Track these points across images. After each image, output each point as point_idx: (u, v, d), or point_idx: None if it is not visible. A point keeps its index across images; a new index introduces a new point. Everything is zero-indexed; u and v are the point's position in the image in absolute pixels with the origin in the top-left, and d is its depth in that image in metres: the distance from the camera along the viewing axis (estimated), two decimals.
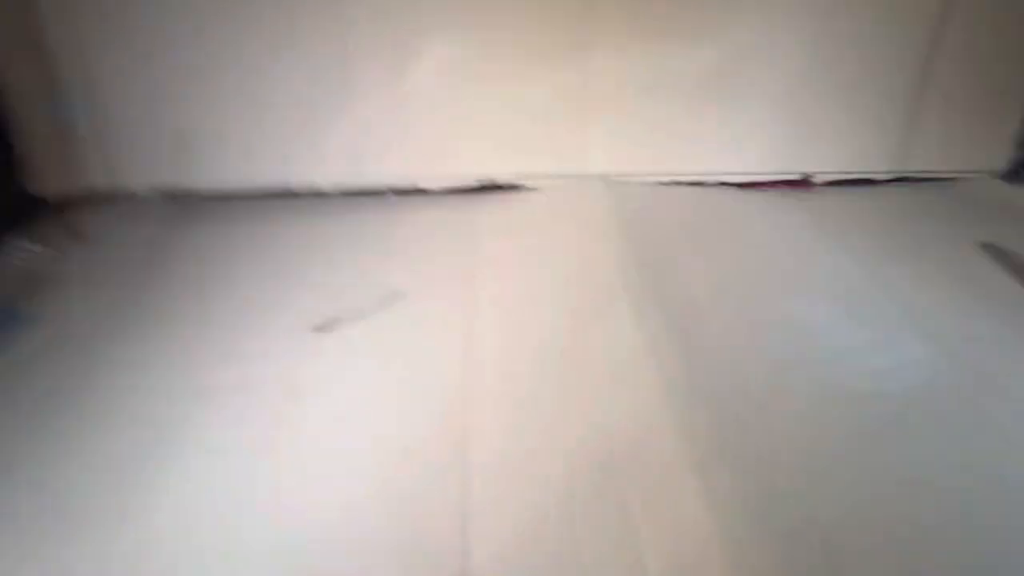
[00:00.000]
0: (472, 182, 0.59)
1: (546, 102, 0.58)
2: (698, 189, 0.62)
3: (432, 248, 0.52)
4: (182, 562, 0.30)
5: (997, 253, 0.53)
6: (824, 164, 0.63)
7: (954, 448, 0.36)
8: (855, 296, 0.49)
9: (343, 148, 0.56)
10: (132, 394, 0.39)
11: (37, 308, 0.45)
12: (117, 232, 0.53)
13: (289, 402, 0.38)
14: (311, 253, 0.51)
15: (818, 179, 0.63)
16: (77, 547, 0.30)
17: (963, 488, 0.33)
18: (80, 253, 0.51)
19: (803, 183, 0.63)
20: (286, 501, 0.33)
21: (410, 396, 0.39)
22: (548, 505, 0.32)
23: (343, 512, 0.32)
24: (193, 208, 0.55)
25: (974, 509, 0.32)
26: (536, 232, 0.54)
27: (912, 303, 0.48)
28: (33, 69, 0.50)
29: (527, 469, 0.34)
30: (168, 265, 0.50)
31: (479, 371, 0.40)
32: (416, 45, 0.54)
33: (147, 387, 0.40)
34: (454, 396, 0.38)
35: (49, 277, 0.48)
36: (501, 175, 0.60)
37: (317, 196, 0.57)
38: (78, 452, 0.35)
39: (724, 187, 0.62)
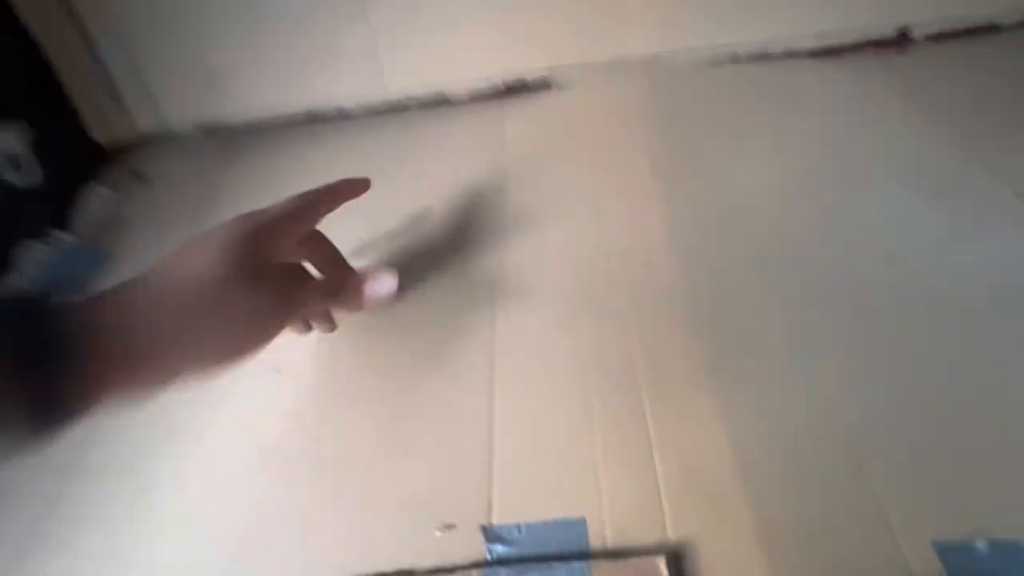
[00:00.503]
0: (499, 84, 0.55)
1: None
2: (761, 63, 0.53)
3: (460, 162, 0.50)
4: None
5: None
6: (928, 11, 0.51)
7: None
8: (947, 179, 0.41)
9: (362, 63, 0.54)
10: None
11: (115, 247, 0.50)
12: (170, 170, 0.56)
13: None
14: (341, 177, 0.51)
15: (918, 34, 0.51)
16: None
17: None
18: (143, 193, 0.55)
19: (897, 42, 0.52)
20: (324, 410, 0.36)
21: (443, 303, 0.40)
22: (564, 412, 0.33)
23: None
24: (230, 142, 0.57)
25: None
26: (568, 135, 0.50)
27: (1020, 187, 0.39)
28: (65, 19, 0.52)
29: (547, 376, 0.34)
30: (219, 199, 0.52)
31: (504, 283, 0.40)
32: None
33: None
34: (482, 304, 0.39)
35: (121, 218, 0.53)
36: (530, 72, 0.55)
37: (342, 117, 0.56)
38: None
39: (794, 57, 0.53)
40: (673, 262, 0.38)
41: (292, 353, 0.38)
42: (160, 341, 0.24)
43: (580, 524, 0.28)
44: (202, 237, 0.28)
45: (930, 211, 0.39)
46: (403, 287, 0.42)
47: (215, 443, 0.35)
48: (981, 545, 0.24)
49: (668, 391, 0.32)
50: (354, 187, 0.36)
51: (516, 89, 0.55)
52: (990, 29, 0.51)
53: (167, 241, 0.50)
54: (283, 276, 0.30)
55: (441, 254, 0.43)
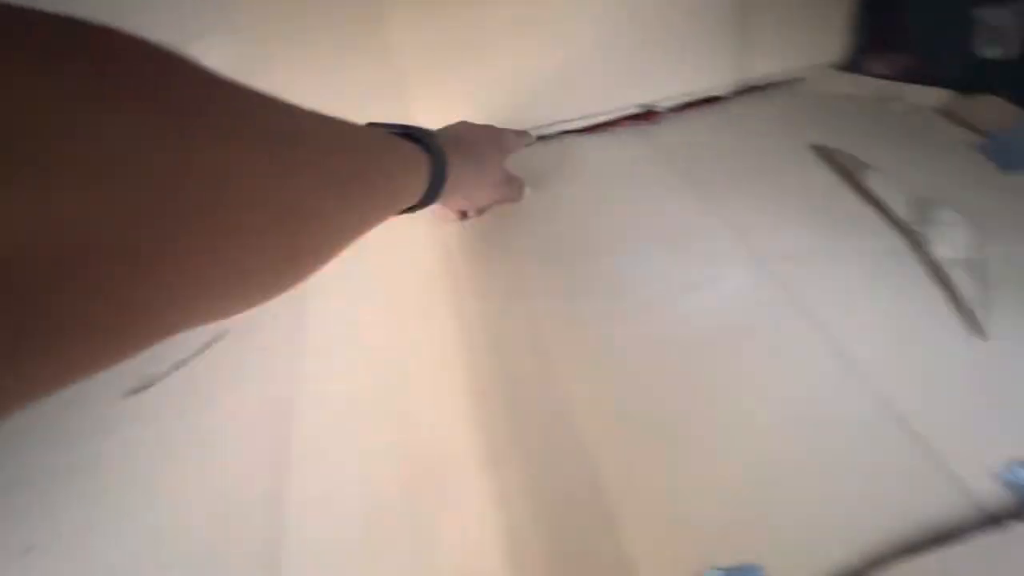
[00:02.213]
0: None
1: (359, 91, 0.54)
2: (538, 143, 0.59)
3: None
4: None
5: (827, 155, 0.52)
6: (666, 90, 0.61)
7: (756, 391, 0.35)
8: (687, 231, 0.47)
9: None
10: None
11: None
12: None
13: (103, 479, 0.37)
14: None
15: (661, 108, 0.60)
16: None
17: (767, 440, 0.33)
18: None
19: (648, 115, 0.61)
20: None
21: (230, 438, 0.38)
22: (356, 519, 0.32)
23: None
24: None
25: (777, 462, 0.32)
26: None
27: (744, 228, 0.47)
28: None
29: (342, 487, 0.34)
30: None
31: (300, 407, 0.39)
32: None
33: None
34: (273, 437, 0.38)
35: None
36: None
37: None
38: None
39: (565, 135, 0.60)
40: (460, 361, 0.40)
41: None
42: (464, 174, 0.41)
43: None
44: (478, 124, 0.48)
45: (674, 263, 0.45)
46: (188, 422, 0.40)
47: None
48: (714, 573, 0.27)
49: (449, 486, 0.33)
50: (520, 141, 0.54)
51: None
52: (713, 99, 0.61)
53: None
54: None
55: (233, 377, 0.42)
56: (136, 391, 0.41)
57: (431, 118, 0.56)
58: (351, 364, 0.41)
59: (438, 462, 0.34)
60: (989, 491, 0.29)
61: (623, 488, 0.31)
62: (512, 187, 0.52)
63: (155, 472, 0.38)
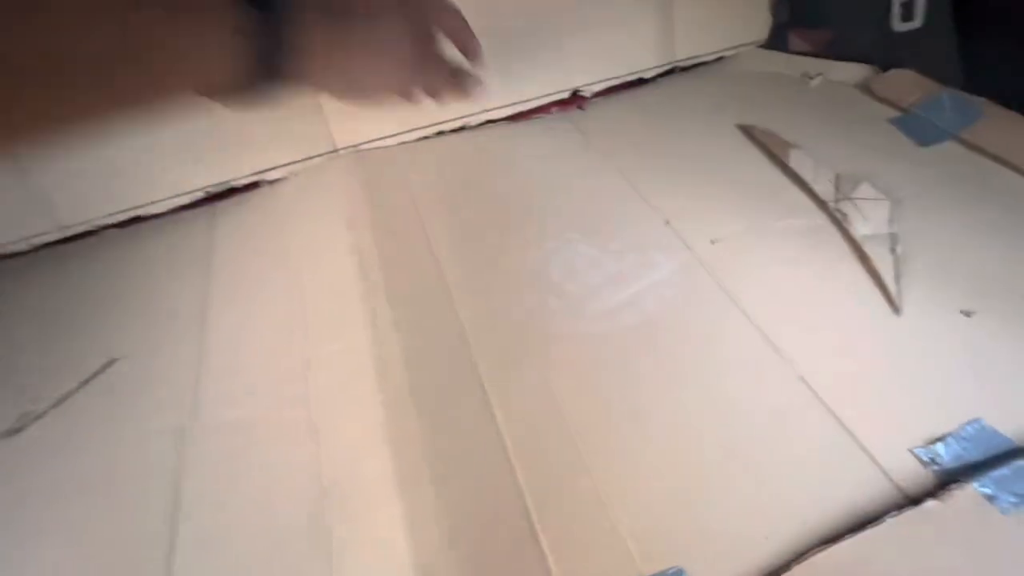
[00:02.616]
0: (201, 194, 0.51)
1: None
2: (461, 134, 0.56)
3: (158, 285, 0.46)
4: None
5: (752, 134, 0.51)
6: (593, 74, 0.59)
7: (683, 388, 0.33)
8: (615, 219, 0.46)
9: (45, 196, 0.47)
10: None
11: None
12: None
13: None
14: (9, 326, 0.44)
15: (588, 92, 0.59)
16: None
17: (693, 438, 0.31)
18: None
19: (574, 100, 0.59)
20: None
21: (120, 476, 0.34)
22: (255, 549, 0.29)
23: None
24: None
25: (702, 460, 0.30)
26: (274, 232, 0.48)
27: (672, 213, 0.45)
28: None
29: (241, 518, 0.31)
30: None
31: (197, 433, 0.36)
32: None
33: None
34: (167, 465, 0.34)
35: None
36: (238, 177, 0.52)
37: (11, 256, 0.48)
38: None
39: (491, 124, 0.57)
40: (373, 376, 0.37)
41: None
42: (338, 40, 0.26)
43: None
44: None
45: (601, 254, 0.43)
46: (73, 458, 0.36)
47: None
48: None
49: (358, 513, 0.30)
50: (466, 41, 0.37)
51: (223, 194, 0.52)
52: (639, 82, 0.60)
53: None
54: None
55: (123, 408, 0.38)
56: (12, 433, 0.37)
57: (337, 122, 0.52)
58: (254, 382, 0.37)
59: (347, 483, 0.31)
60: (908, 471, 0.29)
61: (545, 502, 0.29)
62: (438, 74, 0.34)
63: (42, 520, 0.34)
